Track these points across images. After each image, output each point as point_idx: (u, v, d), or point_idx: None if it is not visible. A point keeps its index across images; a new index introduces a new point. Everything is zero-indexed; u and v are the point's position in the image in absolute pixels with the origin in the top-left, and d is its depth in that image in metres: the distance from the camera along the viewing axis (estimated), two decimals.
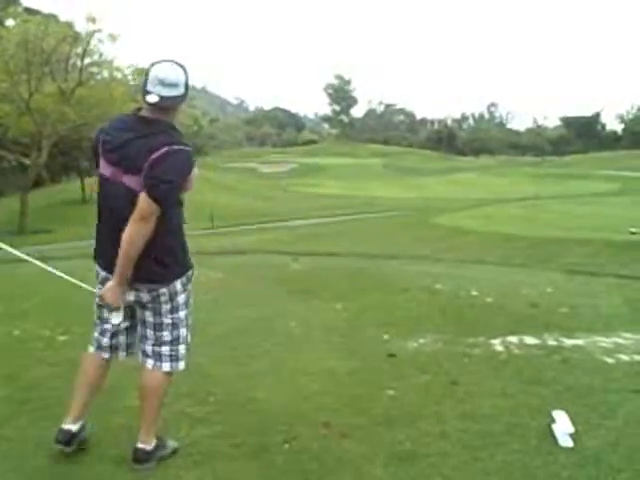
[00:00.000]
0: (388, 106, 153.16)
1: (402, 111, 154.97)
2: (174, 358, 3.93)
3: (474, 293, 8.60)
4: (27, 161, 41.63)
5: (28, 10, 46.83)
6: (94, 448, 4.01)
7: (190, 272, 4.01)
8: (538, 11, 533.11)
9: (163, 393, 3.93)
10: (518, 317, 7.29)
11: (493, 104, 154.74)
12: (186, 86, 3.64)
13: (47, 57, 39.00)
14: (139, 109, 3.68)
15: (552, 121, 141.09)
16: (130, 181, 3.54)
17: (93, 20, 39.19)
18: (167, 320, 3.90)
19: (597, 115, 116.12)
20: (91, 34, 40.43)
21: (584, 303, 8.03)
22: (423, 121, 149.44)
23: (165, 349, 3.90)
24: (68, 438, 3.84)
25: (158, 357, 3.89)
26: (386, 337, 6.58)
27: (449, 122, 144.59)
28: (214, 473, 3.78)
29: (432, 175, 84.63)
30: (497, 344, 6.23)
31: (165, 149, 3.49)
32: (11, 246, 4.18)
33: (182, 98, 3.65)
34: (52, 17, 44.97)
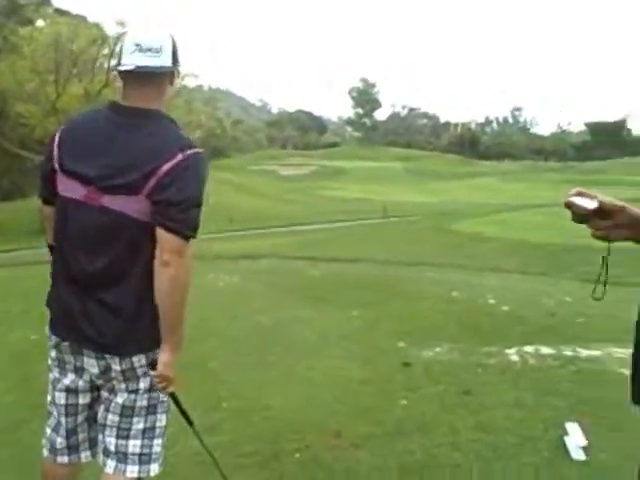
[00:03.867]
0: (412, 110, 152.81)
1: (425, 115, 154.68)
2: (145, 459, 2.65)
3: (491, 302, 8.57)
4: None
5: (58, 11, 47.35)
6: None
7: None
8: (564, 15, 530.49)
9: None
10: (535, 327, 7.25)
11: (517, 108, 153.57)
12: (174, 56, 2.56)
13: (76, 58, 39.49)
14: (114, 102, 2.64)
15: (577, 126, 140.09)
16: (117, 203, 2.45)
17: (122, 24, 39.51)
18: (142, 401, 2.63)
19: (623, 121, 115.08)
20: (120, 37, 40.81)
21: (601, 313, 7.95)
22: (446, 125, 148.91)
23: (134, 444, 2.63)
24: None
25: (122, 457, 2.62)
26: (401, 345, 6.57)
27: (473, 126, 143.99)
28: None
29: (454, 180, 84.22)
30: (512, 354, 6.21)
31: (179, 157, 2.43)
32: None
33: (168, 71, 2.59)
34: (81, 18, 45.49)
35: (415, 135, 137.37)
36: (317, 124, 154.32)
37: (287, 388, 5.38)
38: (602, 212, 1.77)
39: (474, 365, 5.90)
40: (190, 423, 2.94)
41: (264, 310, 8.22)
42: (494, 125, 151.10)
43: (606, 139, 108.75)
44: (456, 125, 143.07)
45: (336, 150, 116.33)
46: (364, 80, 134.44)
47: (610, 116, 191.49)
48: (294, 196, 64.90)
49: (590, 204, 1.74)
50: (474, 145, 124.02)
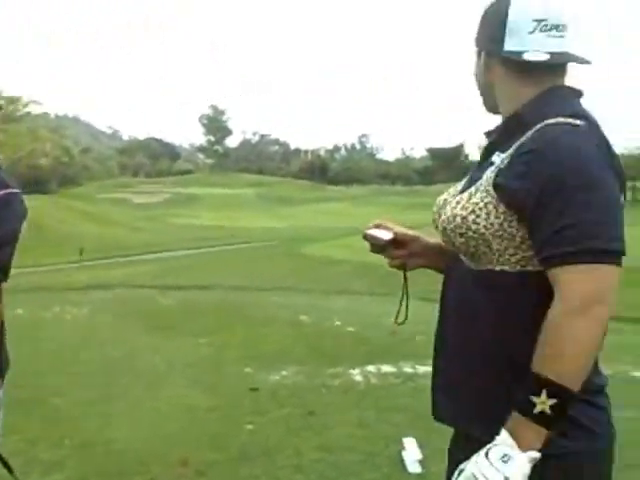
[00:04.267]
0: (263, 136, 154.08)
1: (276, 141, 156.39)
2: None
3: (337, 323, 8.82)
4: None
5: None
6: None
7: None
8: (400, 44, 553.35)
9: None
10: (377, 346, 7.53)
11: (364, 135, 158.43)
12: None
13: None
14: None
15: (419, 152, 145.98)
16: None
17: None
18: None
19: (460, 146, 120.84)
20: None
21: None
22: (297, 151, 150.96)
23: None
24: None
25: None
26: (248, 371, 6.65)
27: (322, 152, 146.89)
28: None
29: (304, 205, 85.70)
30: (356, 374, 6.42)
31: None
32: None
33: None
34: None
35: (266, 162, 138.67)
36: (169, 151, 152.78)
37: (133, 420, 5.32)
38: (397, 242, 1.93)
39: (319, 386, 6.06)
40: (10, 471, 2.73)
41: (112, 341, 8.08)
42: (342, 151, 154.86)
43: (446, 164, 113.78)
44: (306, 152, 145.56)
45: (189, 177, 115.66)
46: (214, 107, 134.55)
47: (449, 141, 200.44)
48: (147, 224, 63.85)
49: (386, 235, 1.88)
50: (324, 171, 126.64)
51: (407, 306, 2.01)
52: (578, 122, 1.59)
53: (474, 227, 1.63)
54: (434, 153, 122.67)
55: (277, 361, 6.96)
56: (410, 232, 1.99)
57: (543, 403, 1.49)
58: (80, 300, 11.83)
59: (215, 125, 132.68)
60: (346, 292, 13.00)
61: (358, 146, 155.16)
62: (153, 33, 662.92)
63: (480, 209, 1.63)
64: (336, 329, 8.54)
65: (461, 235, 1.66)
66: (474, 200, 1.66)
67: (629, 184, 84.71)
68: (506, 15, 1.70)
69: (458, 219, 1.66)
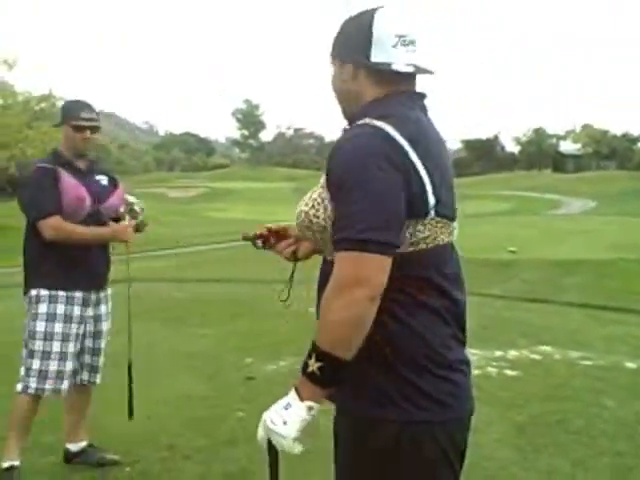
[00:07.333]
0: (297, 130, 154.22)
1: (311, 135, 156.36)
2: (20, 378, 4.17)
3: None
4: None
5: None
6: None
7: (31, 293, 4.19)
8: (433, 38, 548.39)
9: (16, 414, 4.20)
10: None
11: None
12: None
13: None
14: None
15: (452, 143, 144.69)
16: None
17: None
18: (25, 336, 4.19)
19: (496, 137, 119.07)
20: None
21: None
22: (332, 144, 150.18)
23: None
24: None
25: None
26: (248, 361, 6.81)
27: None
28: None
29: None
30: None
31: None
32: None
33: None
34: None
35: (301, 155, 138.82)
36: (205, 146, 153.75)
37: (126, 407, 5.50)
38: (279, 235, 2.15)
39: None
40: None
41: (119, 332, 8.24)
42: None
43: (481, 155, 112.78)
44: None
45: (224, 171, 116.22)
46: (247, 101, 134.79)
47: (483, 133, 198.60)
48: (181, 218, 64.36)
49: (258, 230, 2.13)
50: None
51: (289, 289, 2.51)
52: (376, 123, 1.79)
53: (315, 220, 1.86)
54: (469, 144, 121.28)
55: (278, 351, 7.10)
56: (284, 224, 2.22)
57: (312, 365, 1.76)
58: None
59: (249, 120, 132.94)
60: None
61: None
62: (187, 29, 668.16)
63: (318, 204, 1.86)
64: None
65: (307, 228, 1.88)
66: (314, 196, 1.89)
67: None
68: (370, 29, 1.86)
69: (302, 214, 1.91)
